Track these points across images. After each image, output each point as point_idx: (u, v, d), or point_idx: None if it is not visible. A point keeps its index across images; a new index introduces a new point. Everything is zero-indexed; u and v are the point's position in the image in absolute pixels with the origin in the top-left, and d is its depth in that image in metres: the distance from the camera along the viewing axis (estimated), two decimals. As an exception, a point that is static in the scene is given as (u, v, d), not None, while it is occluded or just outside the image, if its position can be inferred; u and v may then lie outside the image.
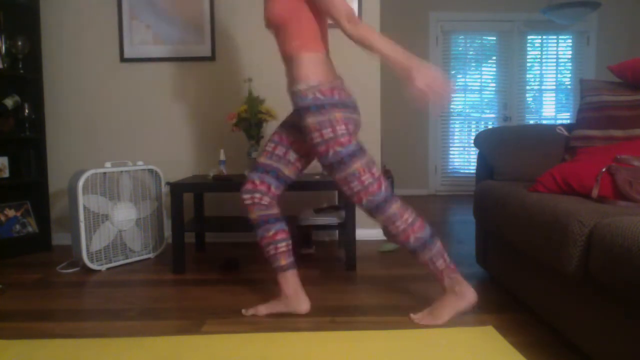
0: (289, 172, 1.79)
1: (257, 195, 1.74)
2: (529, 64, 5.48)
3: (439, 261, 1.66)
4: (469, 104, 5.51)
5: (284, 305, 1.76)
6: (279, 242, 1.75)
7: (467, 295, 1.67)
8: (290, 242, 1.78)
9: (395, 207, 1.65)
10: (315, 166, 2.75)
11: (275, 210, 1.77)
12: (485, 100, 5.51)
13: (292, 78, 1.68)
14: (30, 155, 2.78)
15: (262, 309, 1.76)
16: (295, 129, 1.77)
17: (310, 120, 1.61)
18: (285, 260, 1.76)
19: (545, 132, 2.09)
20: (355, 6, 2.87)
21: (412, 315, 1.71)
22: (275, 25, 1.68)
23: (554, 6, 4.80)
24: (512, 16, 5.37)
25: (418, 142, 5.52)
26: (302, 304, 1.76)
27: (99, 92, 2.95)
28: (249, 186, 1.76)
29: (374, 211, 1.67)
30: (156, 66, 2.93)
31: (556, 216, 1.35)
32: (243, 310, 1.78)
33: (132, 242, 2.54)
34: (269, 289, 2.05)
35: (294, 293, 1.76)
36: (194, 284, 2.13)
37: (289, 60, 1.69)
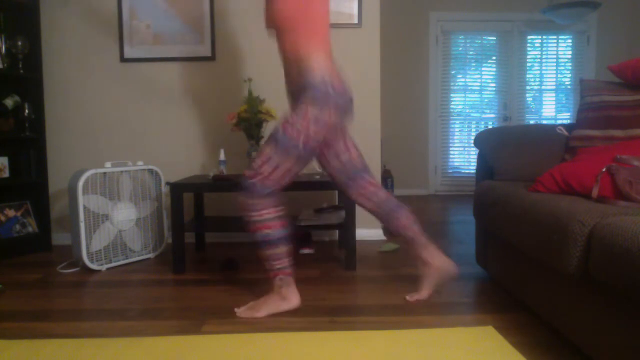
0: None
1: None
2: (529, 64, 5.49)
3: (275, 262, 1.75)
4: (469, 104, 5.52)
5: (278, 306, 1.81)
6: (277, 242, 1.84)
7: (291, 299, 1.78)
8: (289, 246, 1.85)
9: (256, 201, 1.69)
10: (315, 166, 2.74)
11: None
12: (485, 100, 5.51)
13: (299, 75, 1.70)
14: (30, 155, 2.78)
15: (258, 313, 1.79)
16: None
17: (310, 108, 1.65)
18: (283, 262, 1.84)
19: (545, 132, 2.09)
20: (355, 6, 2.87)
21: (407, 296, 1.89)
22: (280, 26, 1.70)
23: (554, 6, 4.80)
24: (512, 16, 5.38)
25: (418, 142, 5.52)
26: (294, 299, 1.82)
27: (99, 92, 2.95)
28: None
29: (246, 191, 1.70)
30: (156, 66, 2.93)
31: (556, 216, 1.35)
32: (235, 309, 1.81)
33: (132, 242, 2.54)
34: (269, 288, 2.05)
35: (290, 293, 1.83)
36: (194, 284, 2.13)
37: (295, 60, 1.70)
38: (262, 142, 2.91)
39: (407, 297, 1.88)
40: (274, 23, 1.71)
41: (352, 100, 1.77)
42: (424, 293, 1.87)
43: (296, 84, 1.72)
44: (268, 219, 1.71)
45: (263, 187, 1.68)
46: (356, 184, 1.86)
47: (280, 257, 1.75)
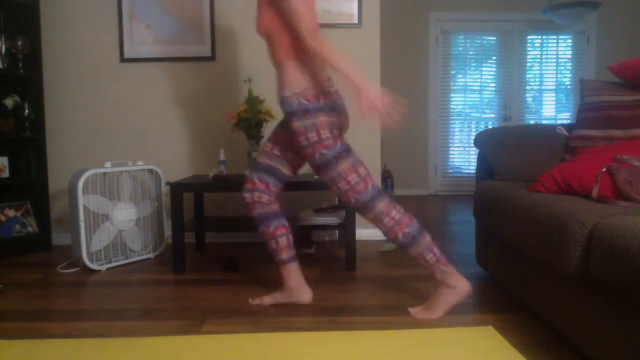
0: (286, 170, 1.88)
1: (257, 193, 1.84)
2: (529, 64, 5.49)
3: (428, 255, 1.70)
4: (469, 104, 5.52)
5: (287, 297, 1.85)
6: (279, 237, 1.83)
7: (461, 286, 1.70)
8: (290, 236, 1.86)
9: (382, 205, 1.71)
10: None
11: (274, 207, 1.86)
12: (485, 100, 5.51)
13: (279, 85, 1.76)
14: (30, 155, 2.78)
15: (267, 299, 1.86)
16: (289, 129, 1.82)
17: (296, 124, 1.69)
18: (286, 253, 1.84)
19: (545, 132, 2.09)
20: (355, 6, 2.87)
21: (410, 309, 1.76)
22: (263, 35, 1.78)
23: (554, 6, 4.80)
24: (512, 16, 5.38)
25: (418, 142, 5.52)
26: (305, 295, 1.85)
27: (99, 92, 2.95)
28: (249, 185, 1.86)
29: (361, 209, 1.74)
30: (156, 66, 2.93)
31: (556, 216, 1.35)
32: (250, 300, 1.88)
33: (132, 242, 2.54)
34: (269, 288, 2.05)
35: (296, 285, 1.85)
36: (194, 284, 2.13)
37: (278, 67, 1.77)
38: (262, 142, 2.91)
39: (411, 310, 1.74)
40: (259, 32, 1.78)
41: (337, 102, 1.75)
42: (438, 312, 1.70)
43: (278, 94, 1.78)
44: (401, 217, 1.71)
45: (372, 188, 1.72)
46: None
47: (430, 249, 1.71)
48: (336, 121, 1.73)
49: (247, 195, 1.84)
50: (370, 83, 1.57)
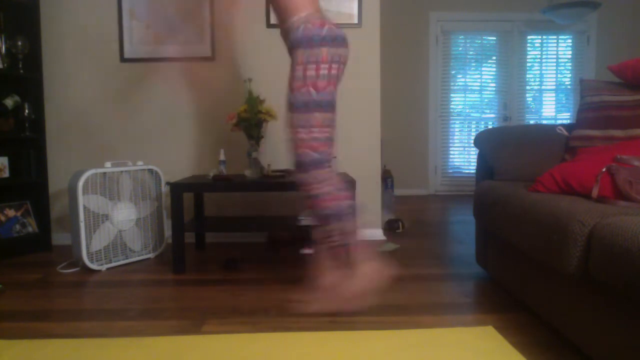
0: None
1: None
2: (529, 64, 5.49)
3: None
4: (469, 104, 5.52)
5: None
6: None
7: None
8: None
9: (316, 174, 1.63)
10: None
11: None
12: (485, 100, 5.51)
13: (282, 14, 1.69)
14: (30, 155, 2.78)
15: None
16: None
17: (299, 52, 1.62)
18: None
19: (545, 132, 2.10)
20: (355, 6, 2.87)
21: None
22: None
23: (554, 6, 4.80)
24: (512, 16, 5.38)
25: (418, 142, 5.52)
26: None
27: (99, 92, 2.95)
28: None
29: (297, 167, 1.66)
30: (156, 66, 2.93)
31: (556, 216, 1.35)
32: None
33: (132, 242, 2.54)
34: (269, 288, 2.05)
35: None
36: (194, 284, 2.13)
37: (281, 14, 1.70)
38: (262, 142, 2.91)
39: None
40: None
41: (340, 33, 1.67)
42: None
43: (281, 24, 1.72)
44: (322, 193, 1.64)
45: (320, 154, 1.63)
46: None
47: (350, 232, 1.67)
48: (339, 53, 1.66)
49: None
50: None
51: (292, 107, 1.64)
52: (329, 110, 1.65)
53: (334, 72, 1.65)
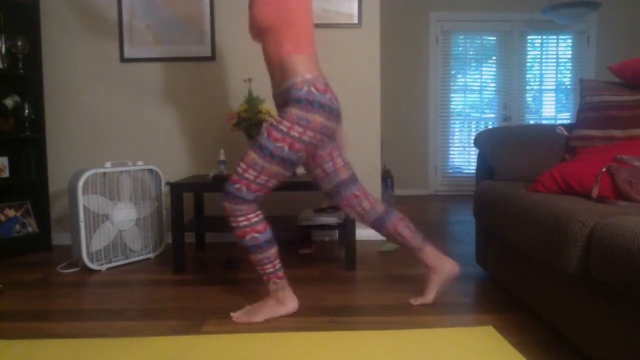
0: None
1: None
2: (529, 64, 5.49)
3: (267, 265, 1.73)
4: (469, 104, 5.52)
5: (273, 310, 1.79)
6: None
7: (289, 304, 1.76)
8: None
9: (241, 206, 1.67)
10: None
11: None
12: (485, 100, 5.51)
13: (283, 77, 1.69)
14: (30, 155, 2.78)
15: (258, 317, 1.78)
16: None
17: (295, 110, 1.63)
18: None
19: (545, 132, 2.10)
20: (355, 6, 2.87)
21: (411, 300, 1.85)
22: (262, 31, 1.70)
23: (554, 6, 4.80)
24: (512, 16, 5.38)
25: (418, 142, 5.52)
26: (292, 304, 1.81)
27: (99, 92, 2.95)
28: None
29: (228, 195, 1.67)
30: (156, 66, 2.93)
31: (556, 216, 1.35)
32: (232, 314, 1.79)
33: (132, 242, 2.54)
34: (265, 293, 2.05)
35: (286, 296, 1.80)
36: (194, 284, 2.13)
37: (278, 64, 1.70)
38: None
39: (412, 301, 1.85)
40: (257, 28, 1.71)
41: (338, 106, 1.71)
42: (429, 297, 1.83)
43: (280, 87, 1.72)
44: (255, 222, 1.68)
45: (248, 192, 1.65)
46: (340, 195, 1.83)
47: (271, 260, 1.72)
48: (329, 126, 1.68)
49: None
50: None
51: (259, 148, 1.65)
52: (290, 170, 1.69)
53: (314, 141, 1.67)
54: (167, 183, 2.32)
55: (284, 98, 1.70)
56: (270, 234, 1.72)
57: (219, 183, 2.28)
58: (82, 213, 2.31)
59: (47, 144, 2.92)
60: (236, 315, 1.73)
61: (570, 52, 5.48)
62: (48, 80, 2.93)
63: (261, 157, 1.64)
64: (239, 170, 1.66)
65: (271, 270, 1.73)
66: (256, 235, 1.69)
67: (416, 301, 1.84)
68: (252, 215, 1.69)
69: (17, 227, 2.74)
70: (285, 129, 1.62)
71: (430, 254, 1.84)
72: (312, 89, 1.64)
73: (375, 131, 2.96)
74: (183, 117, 2.96)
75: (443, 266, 1.84)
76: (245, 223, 1.68)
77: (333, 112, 1.68)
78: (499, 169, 2.08)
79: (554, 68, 5.50)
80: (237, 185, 1.66)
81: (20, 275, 2.32)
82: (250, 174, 1.65)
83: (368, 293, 1.98)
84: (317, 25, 2.88)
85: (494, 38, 5.44)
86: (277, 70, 1.71)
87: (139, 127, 2.97)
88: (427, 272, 1.87)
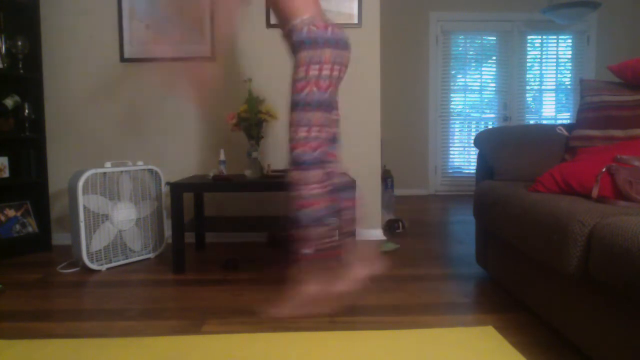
0: None
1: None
2: (529, 64, 5.49)
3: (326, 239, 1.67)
4: (469, 104, 5.52)
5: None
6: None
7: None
8: None
9: (313, 172, 1.64)
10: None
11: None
12: (485, 100, 5.51)
13: (283, 15, 1.70)
14: (30, 155, 2.78)
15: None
16: None
17: (303, 54, 1.64)
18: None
19: (545, 132, 2.09)
20: (355, 6, 2.87)
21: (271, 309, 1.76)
22: None
23: (554, 6, 4.80)
24: (512, 16, 5.38)
25: (418, 142, 5.52)
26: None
27: (99, 92, 2.95)
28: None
29: (293, 165, 1.66)
30: (156, 66, 2.93)
31: (556, 216, 1.35)
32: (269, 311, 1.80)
33: (132, 242, 2.54)
34: (269, 288, 2.05)
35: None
36: (194, 284, 2.13)
37: (283, 13, 1.71)
38: (262, 142, 2.91)
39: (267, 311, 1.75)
40: None
41: (343, 36, 1.68)
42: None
43: (284, 27, 1.74)
44: (319, 194, 1.65)
45: (318, 152, 1.64)
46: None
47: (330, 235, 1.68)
48: (342, 54, 1.68)
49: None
50: None
51: (294, 106, 1.65)
52: (330, 110, 1.67)
53: (335, 73, 1.67)
54: (167, 183, 2.32)
55: (291, 41, 1.70)
56: (329, 209, 1.68)
57: (219, 183, 2.28)
58: (82, 213, 2.31)
59: (47, 144, 2.92)
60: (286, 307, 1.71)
61: (570, 52, 5.48)
62: (48, 80, 2.93)
63: (301, 110, 1.63)
64: (291, 134, 1.64)
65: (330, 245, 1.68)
66: (317, 207, 1.64)
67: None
68: (316, 185, 1.64)
69: (17, 227, 2.74)
70: (303, 74, 1.63)
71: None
72: (312, 28, 1.64)
73: (375, 131, 2.96)
74: (183, 117, 2.96)
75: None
76: (314, 192, 1.64)
77: (340, 42, 1.68)
78: (499, 169, 2.08)
79: (554, 68, 5.50)
80: (297, 150, 1.63)
81: (20, 275, 2.32)
82: (302, 132, 1.63)
83: (368, 293, 1.98)
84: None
85: (494, 38, 5.44)
86: (278, 9, 1.72)
87: (139, 127, 2.97)
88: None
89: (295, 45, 1.67)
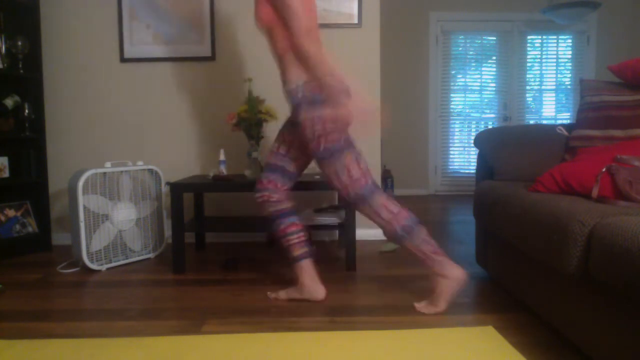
0: (293, 168, 1.92)
1: (266, 193, 1.89)
2: (529, 64, 5.49)
3: (426, 247, 1.74)
4: (469, 104, 5.51)
5: (301, 293, 1.88)
6: (289, 235, 1.88)
7: (456, 274, 1.74)
8: (302, 233, 1.90)
9: (380, 199, 1.76)
10: (315, 166, 2.74)
11: (284, 205, 1.91)
12: (485, 100, 5.51)
13: (283, 78, 1.80)
14: (30, 155, 2.78)
15: (282, 294, 1.90)
16: (295, 126, 1.86)
17: (302, 116, 1.73)
18: (298, 251, 1.88)
19: (545, 132, 2.09)
20: (355, 6, 2.87)
21: (415, 304, 1.80)
22: (263, 27, 1.79)
23: (554, 6, 4.80)
24: (512, 16, 5.37)
25: (418, 142, 5.52)
26: (318, 292, 1.87)
27: (99, 92, 2.95)
28: (258, 185, 1.92)
29: (360, 203, 1.77)
30: (156, 66, 2.93)
31: (556, 216, 1.35)
32: (268, 293, 1.95)
33: (132, 242, 2.54)
34: (269, 288, 2.05)
35: (310, 282, 1.87)
36: (194, 284, 2.13)
37: (279, 60, 1.80)
38: (262, 142, 2.91)
39: (416, 305, 1.78)
40: (259, 24, 1.79)
41: (340, 89, 1.69)
42: (441, 306, 1.74)
43: (284, 86, 1.82)
44: (398, 211, 1.76)
45: (372, 183, 1.77)
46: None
47: (427, 240, 1.76)
48: (341, 113, 1.72)
49: (257, 195, 1.91)
50: (358, 92, 1.67)
51: (322, 159, 1.78)
52: (351, 150, 1.78)
53: (339, 126, 1.75)
54: (167, 183, 2.32)
55: (288, 101, 1.80)
56: (414, 217, 1.78)
57: (219, 183, 2.28)
58: (82, 213, 2.31)
59: (47, 144, 2.92)
60: (420, 307, 1.77)
61: (570, 52, 5.48)
62: (48, 80, 2.93)
63: (335, 161, 1.74)
64: (348, 180, 1.75)
65: (431, 249, 1.75)
66: (404, 222, 1.74)
67: (424, 308, 1.76)
68: (391, 204, 1.76)
69: (17, 227, 2.74)
70: (311, 135, 1.73)
71: (447, 263, 1.76)
72: (306, 93, 1.72)
73: (376, 131, 2.96)
74: (183, 117, 2.96)
75: (457, 275, 1.75)
76: (390, 216, 1.75)
77: (337, 99, 1.71)
78: (499, 169, 2.08)
79: (554, 68, 5.50)
80: (360, 188, 1.75)
81: (20, 275, 2.32)
82: (345, 177, 1.75)
83: (368, 293, 1.98)
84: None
85: (494, 38, 5.44)
86: (280, 66, 1.81)
87: (139, 127, 2.97)
88: (439, 282, 1.75)
89: (295, 108, 1.77)
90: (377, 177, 3.00)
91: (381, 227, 1.77)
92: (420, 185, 5.54)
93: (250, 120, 2.39)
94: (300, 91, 1.73)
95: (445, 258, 1.75)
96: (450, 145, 5.55)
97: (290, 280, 2.16)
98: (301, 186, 2.26)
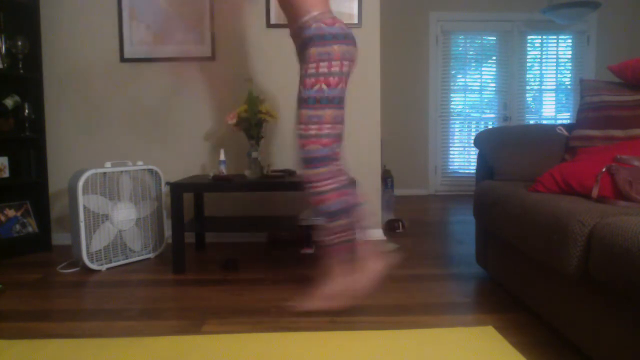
0: None
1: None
2: (529, 64, 5.49)
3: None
4: (469, 104, 5.52)
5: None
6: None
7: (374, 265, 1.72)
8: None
9: (328, 168, 1.65)
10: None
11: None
12: (485, 100, 5.51)
13: (293, 13, 1.72)
14: (30, 155, 2.78)
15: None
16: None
17: (312, 50, 1.66)
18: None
19: (545, 132, 2.10)
20: (355, 6, 2.86)
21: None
22: None
23: (554, 6, 4.80)
24: (512, 16, 5.38)
25: (418, 142, 5.52)
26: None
27: (99, 92, 2.95)
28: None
29: (305, 162, 1.67)
30: (156, 66, 2.93)
31: (556, 216, 1.35)
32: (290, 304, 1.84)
33: (132, 242, 2.54)
34: (269, 288, 2.05)
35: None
36: (194, 284, 2.13)
37: (292, 10, 1.73)
38: (262, 142, 2.91)
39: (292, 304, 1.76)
40: None
41: (349, 32, 1.70)
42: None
43: (293, 25, 1.75)
44: (330, 189, 1.66)
45: (323, 147, 1.65)
46: None
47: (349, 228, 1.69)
48: (350, 50, 1.70)
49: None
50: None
51: (304, 103, 1.66)
52: (340, 107, 1.68)
53: (345, 69, 1.68)
54: (167, 183, 2.32)
55: (300, 38, 1.72)
56: (351, 204, 1.68)
57: (219, 183, 2.28)
58: (82, 213, 2.31)
59: (47, 144, 2.92)
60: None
61: (570, 52, 5.48)
62: (48, 80, 2.93)
63: (311, 107, 1.64)
64: (300, 132, 1.65)
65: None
66: (333, 201, 1.65)
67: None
68: (330, 181, 1.65)
69: (17, 227, 2.74)
70: (313, 70, 1.64)
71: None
72: (321, 25, 1.66)
73: (375, 131, 2.96)
74: (183, 117, 2.96)
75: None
76: (329, 187, 1.65)
77: (347, 38, 1.69)
78: (499, 169, 2.08)
79: (554, 68, 5.50)
80: (309, 147, 1.64)
81: (20, 275, 2.32)
82: (313, 129, 1.64)
83: (368, 293, 1.98)
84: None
85: (494, 38, 5.44)
86: (288, 7, 1.74)
87: (139, 127, 2.97)
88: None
89: (305, 41, 1.69)
90: (377, 177, 3.00)
91: (310, 197, 1.68)
92: (420, 185, 5.54)
93: (250, 120, 2.39)
94: (313, 22, 1.66)
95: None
96: (450, 145, 5.55)
97: (289, 280, 2.16)
98: (301, 186, 2.26)
